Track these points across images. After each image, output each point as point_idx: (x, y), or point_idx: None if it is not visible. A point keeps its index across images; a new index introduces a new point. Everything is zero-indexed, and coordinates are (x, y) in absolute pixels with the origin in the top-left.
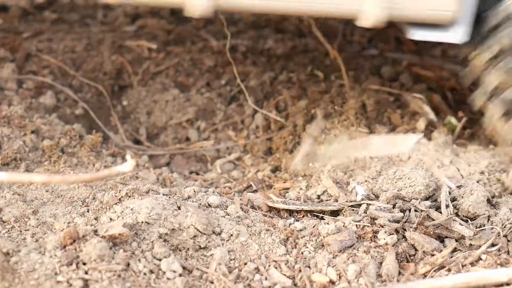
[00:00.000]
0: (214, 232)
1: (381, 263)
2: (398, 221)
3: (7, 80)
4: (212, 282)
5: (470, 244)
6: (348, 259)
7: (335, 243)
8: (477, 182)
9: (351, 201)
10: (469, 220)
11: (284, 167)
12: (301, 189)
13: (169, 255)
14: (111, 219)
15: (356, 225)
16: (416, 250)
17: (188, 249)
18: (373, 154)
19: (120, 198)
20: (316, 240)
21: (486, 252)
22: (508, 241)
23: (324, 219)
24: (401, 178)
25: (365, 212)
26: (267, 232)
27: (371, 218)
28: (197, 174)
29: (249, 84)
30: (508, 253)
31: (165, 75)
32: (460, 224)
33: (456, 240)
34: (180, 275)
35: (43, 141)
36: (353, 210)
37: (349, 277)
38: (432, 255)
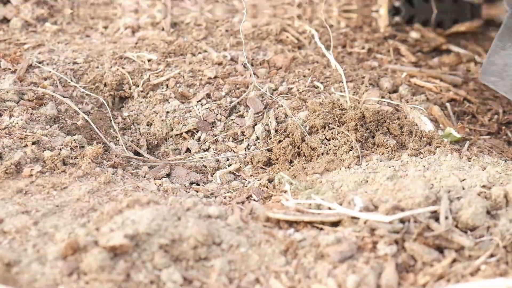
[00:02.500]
0: (214, 243)
1: (380, 273)
2: (397, 232)
3: (8, 92)
4: None
5: (470, 255)
6: (348, 269)
7: (335, 253)
8: (478, 194)
9: None
10: (468, 231)
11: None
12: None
13: (169, 266)
14: (111, 229)
15: (356, 236)
16: (415, 260)
17: (188, 259)
18: None
19: (121, 209)
20: (316, 250)
21: (485, 263)
22: (508, 251)
23: (323, 230)
24: (400, 190)
25: (365, 223)
26: (267, 242)
27: (370, 229)
28: (198, 185)
29: (249, 96)
30: (507, 264)
31: (166, 86)
32: (459, 235)
33: (456, 251)
34: (181, 285)
35: (44, 152)
36: (353, 221)
37: (349, 287)
38: (432, 265)
